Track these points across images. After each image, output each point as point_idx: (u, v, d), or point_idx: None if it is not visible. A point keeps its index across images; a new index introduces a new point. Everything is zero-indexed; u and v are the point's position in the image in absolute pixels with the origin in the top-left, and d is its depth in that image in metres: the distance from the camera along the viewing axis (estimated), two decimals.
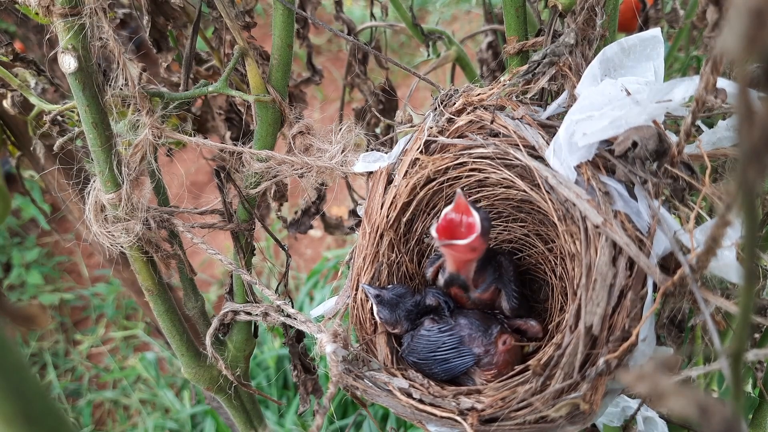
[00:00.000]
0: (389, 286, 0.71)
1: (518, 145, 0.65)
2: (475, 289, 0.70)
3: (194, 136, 0.74)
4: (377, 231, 0.73)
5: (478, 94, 0.69)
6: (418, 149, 0.71)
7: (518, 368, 0.63)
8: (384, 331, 0.71)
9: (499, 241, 0.82)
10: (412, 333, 0.70)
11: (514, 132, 0.65)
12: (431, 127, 0.71)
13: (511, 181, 0.69)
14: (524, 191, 0.68)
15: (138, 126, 0.69)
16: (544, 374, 0.55)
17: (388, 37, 1.40)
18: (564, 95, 0.64)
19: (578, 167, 0.59)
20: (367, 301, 0.71)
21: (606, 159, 0.58)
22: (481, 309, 0.72)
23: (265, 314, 0.72)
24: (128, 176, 0.68)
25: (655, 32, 0.60)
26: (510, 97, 0.68)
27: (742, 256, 0.49)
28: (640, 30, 0.62)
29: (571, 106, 0.59)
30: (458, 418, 0.58)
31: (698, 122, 0.59)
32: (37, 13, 0.63)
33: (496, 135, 0.68)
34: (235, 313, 0.77)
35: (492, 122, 0.67)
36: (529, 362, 0.60)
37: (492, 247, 0.77)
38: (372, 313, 0.71)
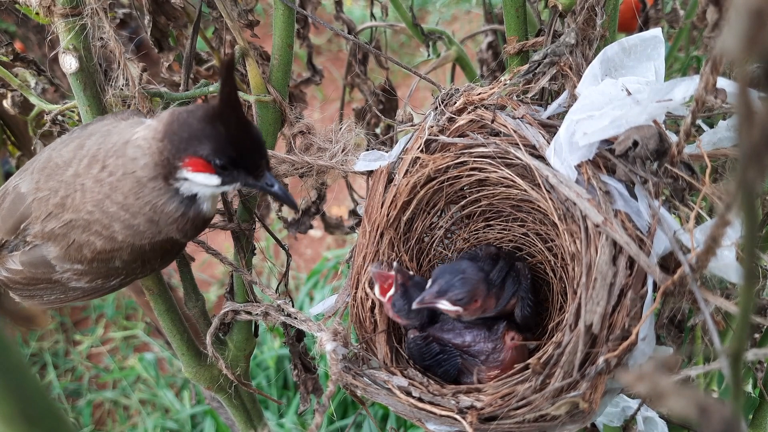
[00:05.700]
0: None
1: (519, 144, 0.65)
2: (493, 309, 0.70)
3: None
4: (377, 229, 0.73)
5: (479, 94, 0.69)
6: (418, 148, 0.71)
7: (518, 366, 0.63)
8: (384, 330, 0.71)
9: (497, 240, 0.82)
10: (408, 343, 0.71)
11: (515, 131, 0.65)
12: (432, 126, 0.71)
13: (512, 180, 0.69)
14: (524, 190, 0.68)
15: None
16: (543, 373, 0.56)
17: (388, 37, 1.39)
18: (564, 95, 0.64)
19: (579, 166, 0.59)
20: (368, 299, 0.71)
21: (606, 158, 0.58)
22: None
23: (266, 314, 0.72)
24: None
25: (655, 32, 0.60)
26: (511, 96, 0.68)
27: (742, 256, 0.49)
28: (640, 30, 0.62)
29: (572, 105, 0.59)
30: (457, 417, 0.58)
31: (699, 122, 0.59)
32: (37, 14, 0.63)
33: (496, 134, 0.68)
34: (236, 312, 0.77)
35: (493, 121, 0.67)
36: (529, 360, 0.60)
37: (509, 252, 0.77)
38: (372, 312, 0.71)
